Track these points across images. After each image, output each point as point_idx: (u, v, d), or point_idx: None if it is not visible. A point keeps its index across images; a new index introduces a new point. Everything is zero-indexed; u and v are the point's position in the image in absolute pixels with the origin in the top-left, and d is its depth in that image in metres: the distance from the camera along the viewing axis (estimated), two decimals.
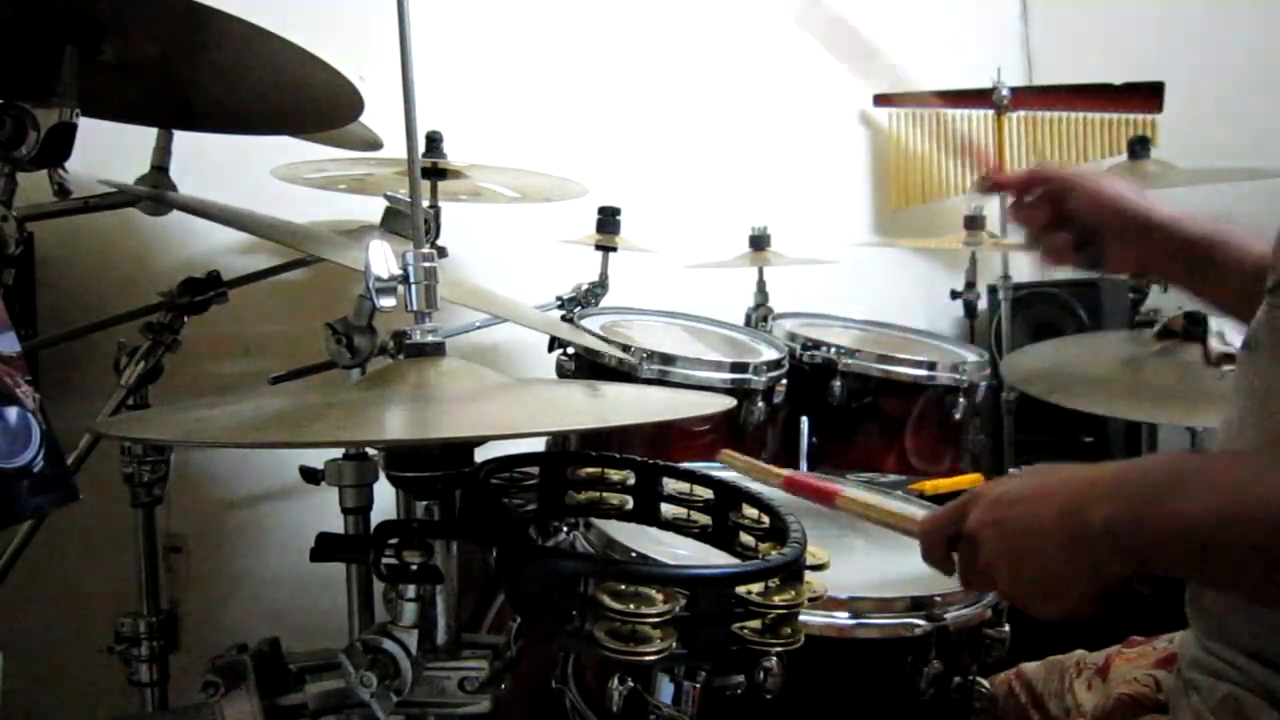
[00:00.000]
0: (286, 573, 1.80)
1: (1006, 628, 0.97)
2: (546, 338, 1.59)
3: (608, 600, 0.65)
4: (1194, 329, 1.58)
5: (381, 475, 0.90)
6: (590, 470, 0.86)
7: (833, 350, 1.72)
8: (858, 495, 0.93)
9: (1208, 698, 0.72)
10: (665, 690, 0.85)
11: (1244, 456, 0.62)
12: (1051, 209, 1.04)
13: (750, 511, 0.83)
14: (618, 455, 0.87)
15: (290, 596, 1.78)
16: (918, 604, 0.91)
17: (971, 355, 1.86)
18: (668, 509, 0.86)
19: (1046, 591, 0.69)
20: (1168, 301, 2.03)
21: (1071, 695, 0.95)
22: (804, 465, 1.55)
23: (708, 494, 0.85)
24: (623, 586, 0.66)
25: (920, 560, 1.07)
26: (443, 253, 1.60)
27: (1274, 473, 0.58)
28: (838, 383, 1.69)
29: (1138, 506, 0.63)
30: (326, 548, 0.76)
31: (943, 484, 1.38)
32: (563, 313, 1.71)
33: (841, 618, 0.89)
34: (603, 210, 1.80)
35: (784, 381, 1.59)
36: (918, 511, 0.85)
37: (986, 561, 0.71)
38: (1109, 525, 0.63)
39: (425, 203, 1.57)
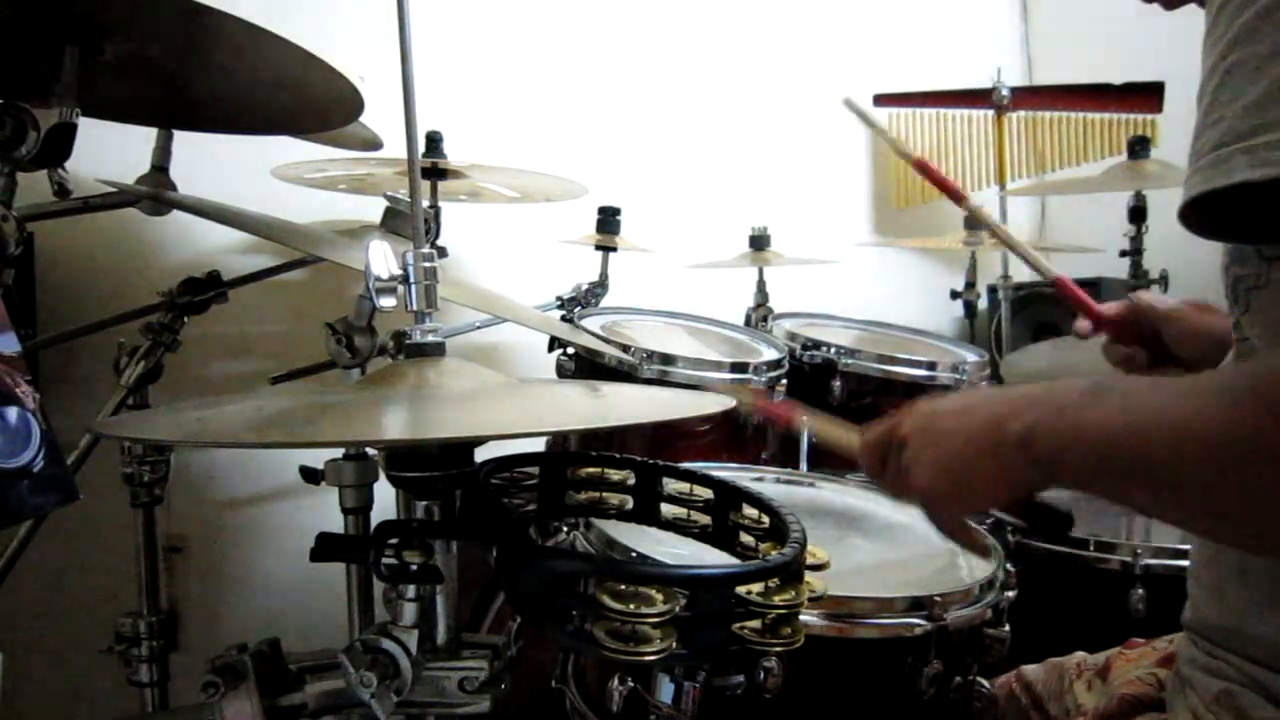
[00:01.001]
0: (286, 573, 1.80)
1: (1006, 628, 0.97)
2: (546, 338, 1.59)
3: (608, 600, 0.65)
4: None
5: (381, 475, 0.90)
6: (590, 470, 0.86)
7: (833, 350, 1.71)
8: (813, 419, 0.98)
9: (1203, 694, 0.72)
10: (665, 690, 0.85)
11: (1161, 381, 0.63)
12: (1146, 347, 1.06)
13: (750, 511, 0.83)
14: (618, 455, 0.87)
15: (290, 596, 1.78)
16: (918, 604, 0.91)
17: (971, 355, 1.86)
18: (668, 509, 0.86)
19: (960, 493, 0.73)
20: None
21: (1072, 696, 0.95)
22: (804, 465, 1.55)
23: (708, 494, 0.85)
24: (623, 586, 0.66)
25: (920, 561, 1.08)
26: (443, 253, 1.60)
27: (1185, 397, 0.59)
28: (838, 383, 1.69)
29: (1053, 415, 0.65)
30: (326, 548, 0.76)
31: None
32: (563, 313, 1.71)
33: (841, 617, 0.89)
34: (603, 210, 1.80)
35: (784, 381, 1.59)
36: (850, 432, 0.91)
37: (909, 463, 0.75)
38: (1026, 434, 0.65)
39: (425, 203, 1.57)
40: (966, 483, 0.72)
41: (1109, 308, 1.12)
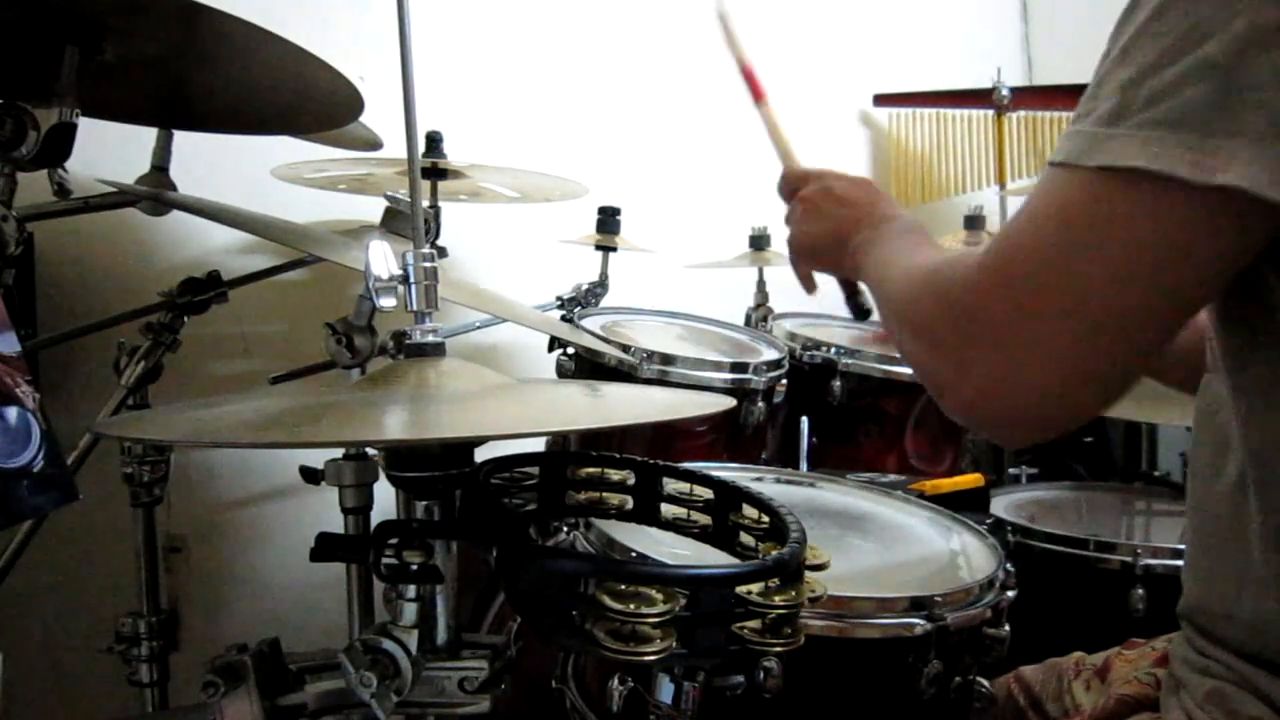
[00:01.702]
0: (286, 573, 1.80)
1: (1006, 628, 0.97)
2: (546, 338, 1.59)
3: (608, 600, 0.65)
4: None
5: (381, 475, 0.90)
6: (590, 470, 0.86)
7: (833, 350, 1.71)
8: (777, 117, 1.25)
9: (1194, 693, 0.72)
10: (665, 690, 0.85)
11: (921, 245, 0.85)
12: None
13: (750, 511, 0.83)
14: (618, 455, 0.87)
15: (290, 596, 1.78)
16: (918, 604, 0.91)
17: None
18: (668, 509, 0.86)
19: (810, 255, 1.02)
20: None
21: (1070, 696, 0.95)
22: (804, 465, 1.55)
23: (708, 494, 0.85)
24: (623, 586, 0.66)
25: (920, 561, 1.08)
26: (443, 253, 1.60)
27: (928, 253, 0.78)
28: (838, 383, 1.69)
29: (874, 237, 0.89)
30: (326, 548, 0.76)
31: (943, 484, 1.38)
32: (563, 313, 1.71)
33: (841, 617, 0.89)
34: (603, 210, 1.80)
35: (784, 381, 1.58)
36: (795, 161, 1.19)
37: (793, 218, 1.04)
38: (855, 246, 0.91)
39: (425, 203, 1.57)
40: (814, 252, 1.01)
41: None
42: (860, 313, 1.10)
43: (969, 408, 0.65)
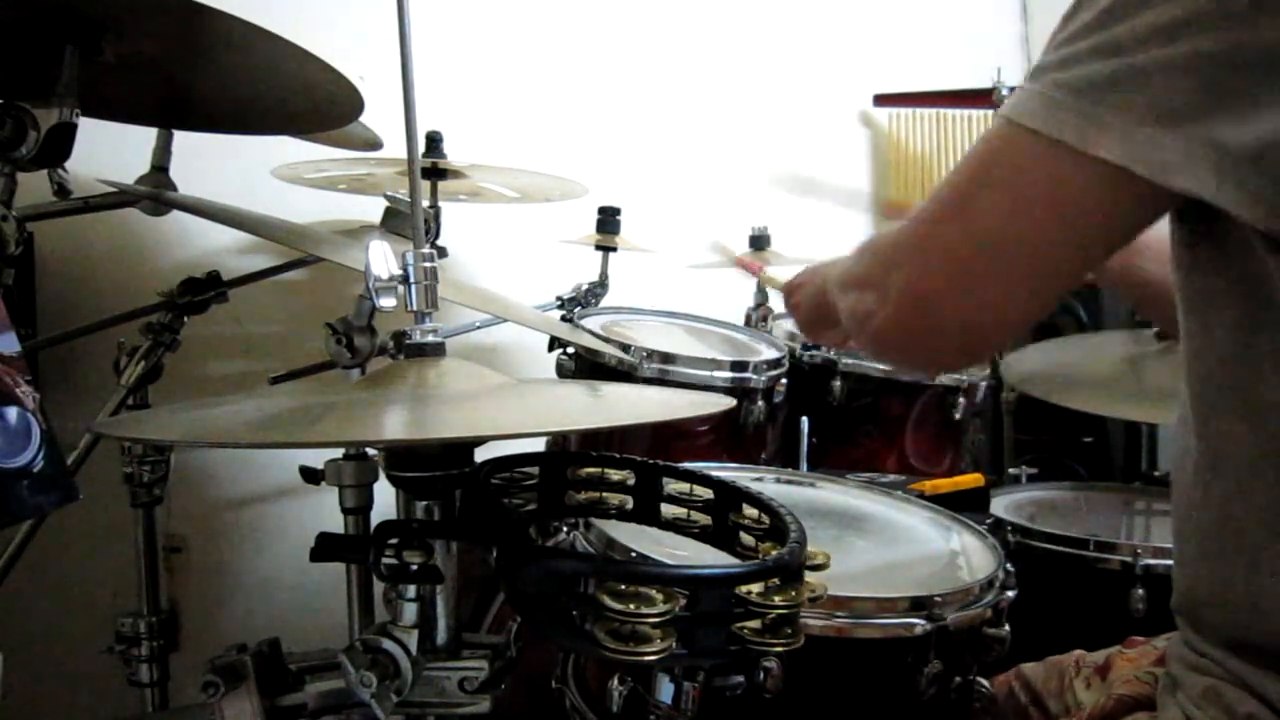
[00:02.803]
0: (286, 573, 1.80)
1: (1006, 628, 0.97)
2: (546, 338, 1.59)
3: (608, 600, 0.65)
4: None
5: (381, 475, 0.90)
6: (590, 470, 0.86)
7: (833, 350, 1.71)
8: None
9: (1190, 691, 0.72)
10: (665, 690, 0.85)
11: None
12: None
13: (750, 511, 0.83)
14: (618, 455, 0.87)
15: (290, 596, 1.78)
16: (918, 604, 0.91)
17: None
18: (668, 509, 0.86)
19: (810, 323, 1.10)
20: None
21: (1071, 694, 0.95)
22: (804, 465, 1.55)
23: (708, 494, 0.85)
24: (623, 586, 0.66)
25: (920, 561, 1.08)
26: (443, 253, 1.60)
27: (846, 264, 0.82)
28: (838, 383, 1.69)
29: (827, 273, 0.94)
30: (326, 548, 0.76)
31: (943, 484, 1.38)
32: (563, 313, 1.71)
33: (841, 618, 0.89)
34: (603, 210, 1.80)
35: (784, 381, 1.58)
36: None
37: (794, 304, 1.12)
38: (827, 290, 0.93)
39: (425, 203, 1.57)
40: (813, 316, 1.07)
41: None
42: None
43: (884, 330, 0.72)
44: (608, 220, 1.79)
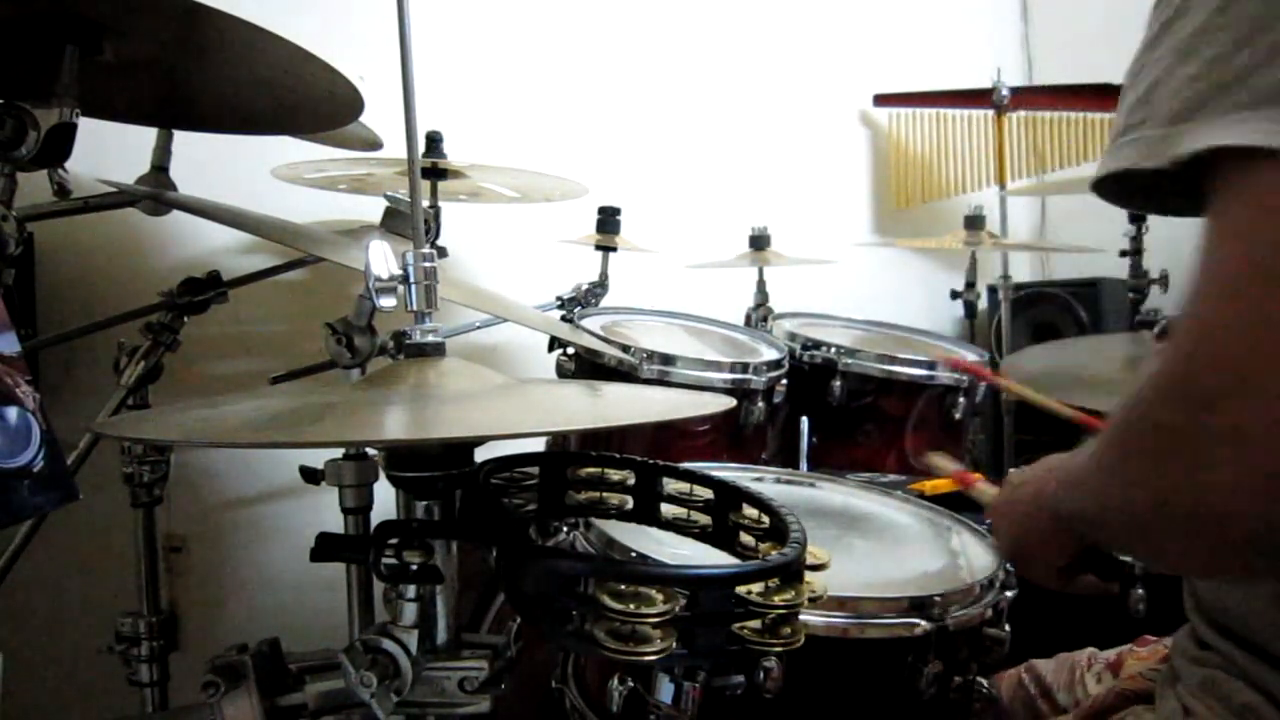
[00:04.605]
0: (286, 573, 1.80)
1: (1006, 628, 0.97)
2: (546, 338, 1.59)
3: (608, 600, 0.65)
4: None
5: (381, 475, 0.90)
6: (590, 470, 0.86)
7: (833, 350, 1.72)
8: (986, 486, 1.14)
9: (1189, 682, 0.73)
10: (665, 690, 0.85)
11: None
12: None
13: (750, 511, 0.82)
14: (618, 455, 0.87)
15: (290, 596, 1.78)
16: (918, 604, 0.91)
17: (971, 355, 1.86)
18: (668, 509, 0.86)
19: (1023, 557, 0.91)
20: (1168, 302, 2.03)
21: (1082, 688, 0.95)
22: (804, 465, 1.55)
23: (708, 494, 0.85)
24: (623, 586, 0.66)
25: (920, 561, 1.08)
26: (443, 253, 1.60)
27: (1082, 457, 0.66)
28: (838, 383, 1.69)
29: (1065, 483, 0.74)
30: (326, 548, 0.76)
31: (942, 484, 1.38)
32: (563, 313, 1.71)
33: (841, 618, 0.89)
34: (603, 210, 1.80)
35: (784, 381, 1.59)
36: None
37: (996, 529, 0.96)
38: (1055, 498, 0.78)
39: (425, 203, 1.57)
40: (1021, 546, 0.90)
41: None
42: (1117, 568, 0.94)
43: (1242, 491, 0.50)
44: (608, 220, 1.79)
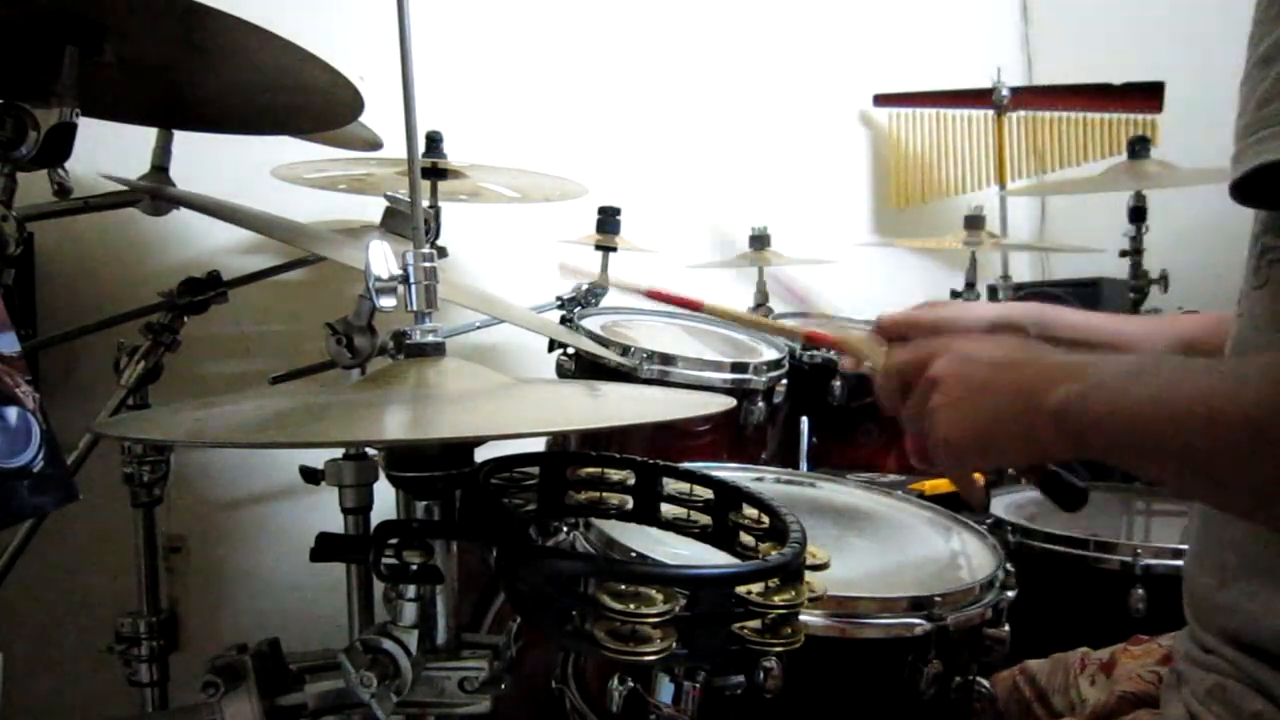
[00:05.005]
0: (286, 573, 1.80)
1: (1006, 628, 0.97)
2: (546, 338, 1.59)
3: (608, 600, 0.65)
4: None
5: (381, 475, 0.90)
6: (590, 470, 0.86)
7: (833, 350, 1.71)
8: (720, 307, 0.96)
9: (1196, 688, 0.72)
10: (665, 690, 0.85)
11: (1197, 363, 0.62)
12: None
13: (750, 511, 0.82)
14: (618, 455, 0.87)
15: (290, 596, 1.78)
16: (918, 604, 0.91)
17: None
18: (668, 509, 0.86)
19: (982, 449, 0.73)
20: (1168, 302, 2.03)
21: (1076, 690, 0.95)
22: (804, 465, 1.55)
23: (708, 494, 0.85)
24: (623, 586, 0.66)
25: (920, 561, 1.08)
26: (443, 253, 1.60)
27: (1222, 380, 0.59)
28: (838, 383, 1.69)
29: (1091, 389, 0.64)
30: (326, 548, 0.76)
31: (942, 484, 1.38)
32: (562, 313, 1.71)
33: (842, 618, 0.89)
34: (603, 210, 1.80)
35: (784, 381, 1.59)
36: (876, 347, 0.88)
37: (936, 405, 0.74)
38: (1060, 405, 0.65)
39: (425, 203, 1.57)
40: (991, 440, 0.72)
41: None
42: (1076, 498, 0.82)
43: None
44: (608, 220, 1.79)
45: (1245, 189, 0.60)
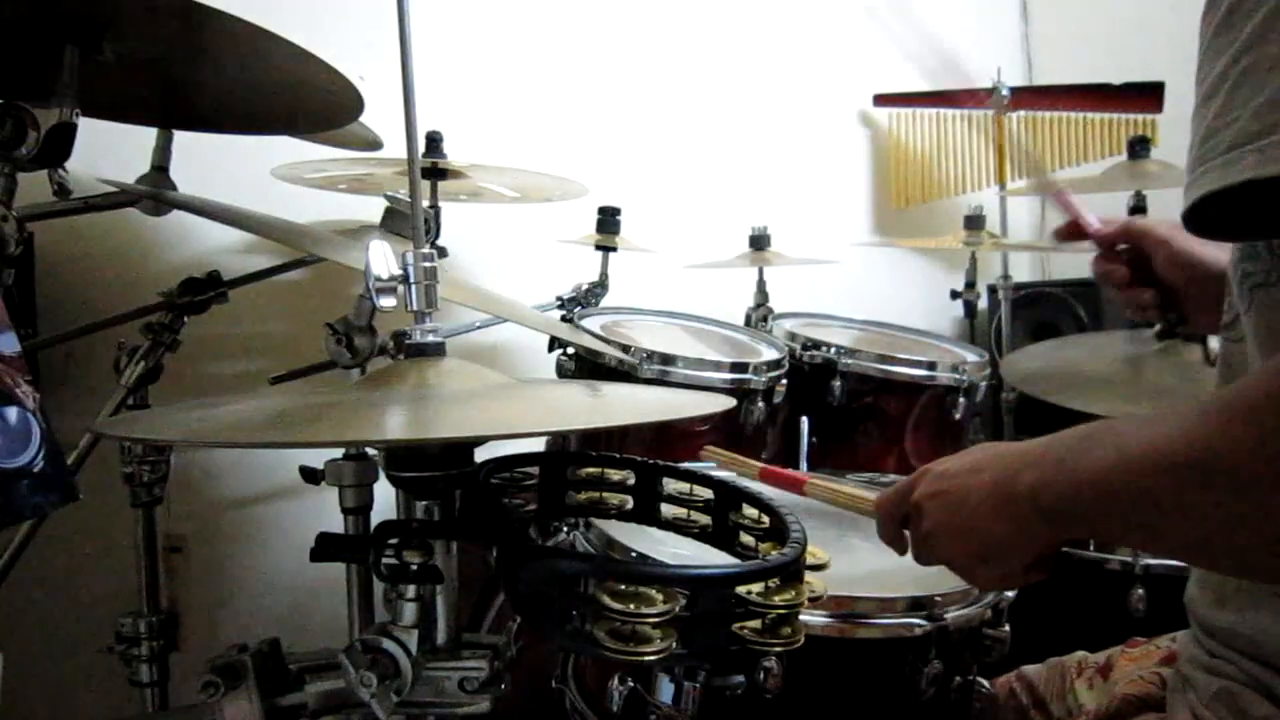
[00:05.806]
0: (286, 573, 1.80)
1: (1006, 628, 0.97)
2: (546, 338, 1.59)
3: (608, 600, 0.65)
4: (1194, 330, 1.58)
5: (381, 475, 0.90)
6: (590, 470, 0.86)
7: (833, 350, 1.72)
8: (823, 481, 0.96)
9: (1202, 693, 0.72)
10: (665, 690, 0.85)
11: (1152, 415, 0.62)
12: (1132, 268, 1.08)
13: (750, 511, 0.83)
14: (618, 455, 0.87)
15: (290, 596, 1.78)
16: (918, 604, 0.91)
17: (971, 355, 1.87)
18: (668, 509, 0.86)
19: (982, 558, 0.74)
20: None
21: (1073, 695, 0.95)
22: (804, 465, 1.55)
23: (708, 494, 0.85)
24: (623, 586, 0.66)
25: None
26: (443, 253, 1.60)
27: (1163, 423, 0.59)
28: (838, 383, 1.69)
29: (1052, 469, 0.66)
30: (326, 548, 0.76)
31: None
32: (563, 313, 1.71)
33: (841, 618, 0.89)
34: (603, 210, 1.80)
35: (784, 381, 1.59)
36: (871, 494, 0.89)
37: (928, 530, 0.76)
38: (1032, 490, 0.66)
39: (425, 203, 1.57)
40: (986, 546, 0.72)
41: (1104, 227, 1.13)
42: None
43: None
44: (608, 220, 1.79)
45: (1196, 222, 0.60)
